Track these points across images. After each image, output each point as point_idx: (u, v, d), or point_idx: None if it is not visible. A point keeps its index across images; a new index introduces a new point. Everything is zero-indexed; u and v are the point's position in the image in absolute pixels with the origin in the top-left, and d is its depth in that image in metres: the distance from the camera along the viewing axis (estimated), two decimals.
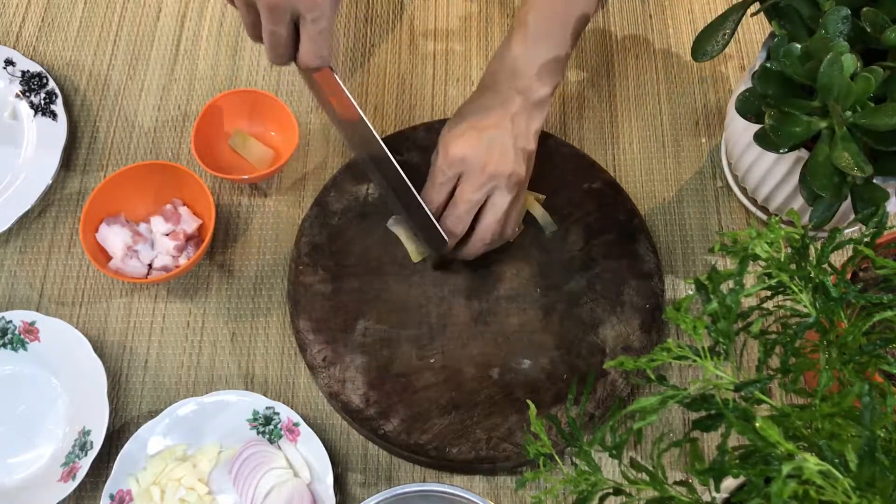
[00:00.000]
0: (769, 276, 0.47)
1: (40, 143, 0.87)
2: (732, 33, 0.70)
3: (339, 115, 0.79)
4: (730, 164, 0.85)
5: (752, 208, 0.84)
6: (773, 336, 0.50)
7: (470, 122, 0.74)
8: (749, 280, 0.78)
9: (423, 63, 0.94)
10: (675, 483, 0.48)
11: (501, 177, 0.72)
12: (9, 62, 0.90)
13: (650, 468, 0.47)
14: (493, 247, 0.77)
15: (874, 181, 0.61)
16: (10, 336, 0.78)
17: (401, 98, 0.92)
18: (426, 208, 0.74)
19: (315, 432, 0.73)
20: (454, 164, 0.72)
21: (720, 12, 0.71)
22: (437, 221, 0.74)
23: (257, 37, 0.73)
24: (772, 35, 0.69)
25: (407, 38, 0.95)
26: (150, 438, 0.73)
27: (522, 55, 0.74)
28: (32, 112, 0.88)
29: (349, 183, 0.84)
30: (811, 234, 0.79)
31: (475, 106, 0.75)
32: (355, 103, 0.76)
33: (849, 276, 0.54)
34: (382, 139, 0.87)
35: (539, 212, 0.81)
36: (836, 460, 0.40)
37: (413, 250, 0.80)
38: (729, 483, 0.54)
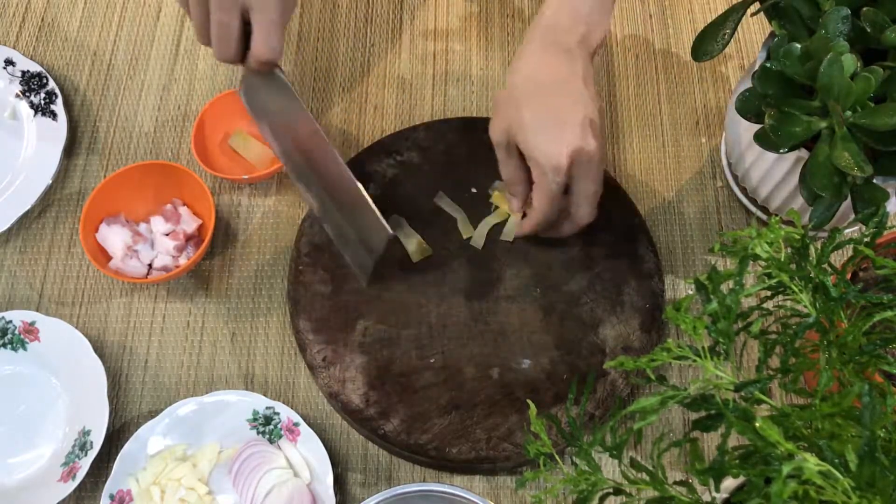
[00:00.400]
0: (769, 276, 0.47)
1: (40, 143, 0.87)
2: (732, 33, 0.70)
3: (282, 121, 0.77)
4: (730, 164, 0.84)
5: (752, 208, 0.84)
6: (773, 336, 0.50)
7: (555, 111, 0.70)
8: (749, 280, 0.78)
9: (423, 63, 0.94)
10: (675, 483, 0.48)
11: (602, 150, 0.71)
12: (9, 62, 0.90)
13: (650, 468, 0.47)
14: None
15: (874, 181, 0.61)
16: (10, 336, 0.78)
17: (401, 98, 0.92)
18: (371, 203, 0.73)
19: (315, 432, 0.73)
20: (563, 171, 0.69)
21: (720, 12, 0.71)
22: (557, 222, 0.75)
23: (206, 36, 0.71)
24: (772, 35, 0.69)
25: (407, 38, 0.95)
26: (150, 438, 0.73)
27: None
28: (32, 112, 0.89)
29: None
30: (811, 234, 0.78)
31: (547, 77, 0.71)
32: (302, 102, 0.75)
33: (849, 276, 0.54)
34: (382, 139, 0.87)
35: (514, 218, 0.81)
36: (836, 460, 0.40)
37: (413, 250, 0.80)
38: (729, 483, 0.54)
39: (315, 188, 0.77)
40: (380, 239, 0.73)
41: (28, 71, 0.90)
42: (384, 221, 0.72)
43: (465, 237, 0.81)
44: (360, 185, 0.73)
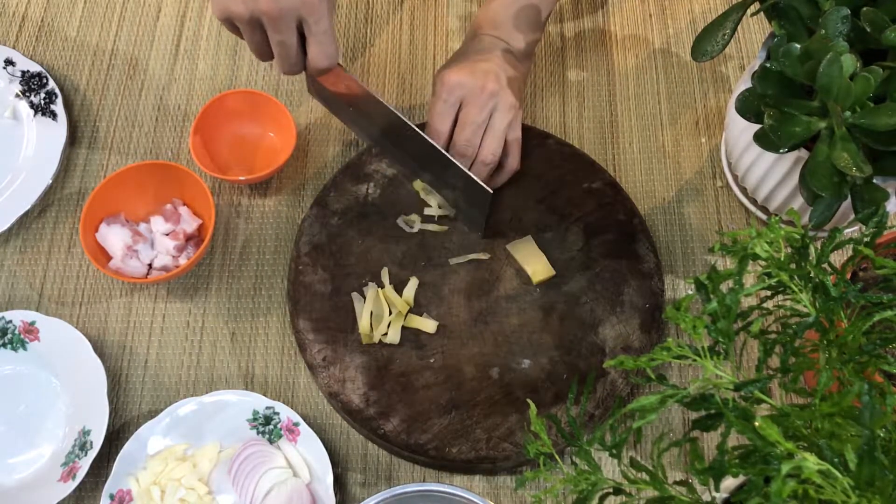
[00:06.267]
0: (769, 275, 0.47)
1: (40, 143, 0.87)
2: (732, 33, 0.70)
3: (357, 108, 0.81)
4: (730, 164, 0.85)
5: (752, 208, 0.84)
6: (773, 336, 0.50)
7: (461, 60, 0.80)
8: (749, 280, 0.78)
9: (423, 62, 0.94)
10: (675, 483, 0.48)
11: (498, 96, 0.77)
12: (9, 62, 0.90)
13: (650, 468, 0.47)
14: (499, 180, 0.81)
15: (874, 181, 0.61)
16: (10, 336, 0.78)
17: (401, 98, 0.92)
18: (462, 167, 0.76)
19: (315, 432, 0.73)
20: (454, 90, 0.77)
21: (720, 12, 0.71)
22: (448, 152, 0.77)
23: (266, 54, 0.74)
24: (772, 35, 0.69)
25: (407, 38, 0.95)
26: (150, 438, 0.74)
27: (503, 9, 0.83)
28: (32, 112, 0.89)
29: (349, 183, 0.84)
30: (811, 233, 0.78)
31: (463, 51, 0.83)
32: (372, 90, 0.77)
33: (849, 275, 0.54)
34: None
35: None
36: (836, 460, 0.40)
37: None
38: (729, 483, 0.54)
39: (408, 162, 0.82)
40: (483, 199, 0.76)
41: (28, 71, 0.90)
42: (481, 183, 0.75)
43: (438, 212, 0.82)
44: (447, 154, 0.76)
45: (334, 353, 0.76)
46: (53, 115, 0.88)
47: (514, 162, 0.81)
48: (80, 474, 0.71)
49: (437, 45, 0.95)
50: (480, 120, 0.77)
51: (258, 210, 0.86)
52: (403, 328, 0.77)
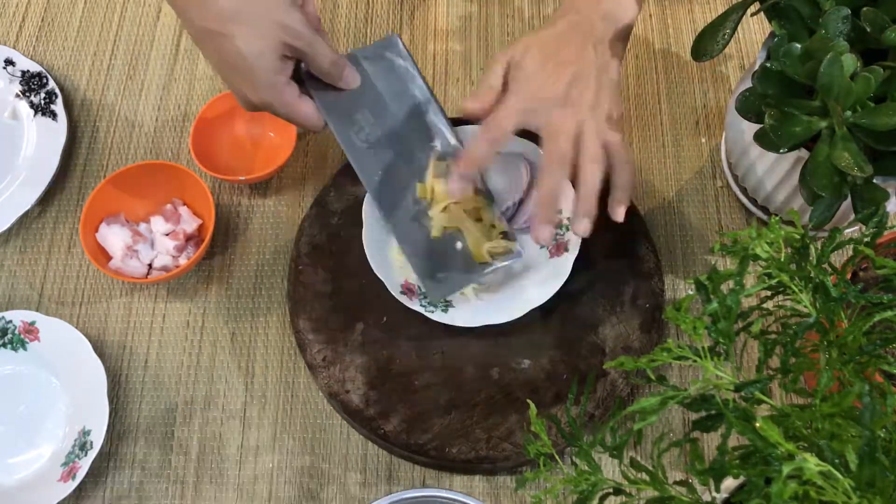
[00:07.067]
0: (769, 276, 0.47)
1: (40, 143, 0.87)
2: (732, 33, 0.70)
3: None
4: (730, 164, 0.84)
5: (752, 208, 0.84)
6: (773, 336, 0.50)
7: (547, 54, 0.68)
8: (749, 280, 0.78)
9: (422, 63, 0.94)
10: (675, 483, 0.48)
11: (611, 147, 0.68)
12: (9, 62, 0.90)
13: (650, 468, 0.47)
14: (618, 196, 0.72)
15: (874, 181, 0.61)
16: (10, 336, 0.78)
17: None
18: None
19: (315, 432, 0.73)
20: (572, 140, 0.67)
21: (720, 12, 0.71)
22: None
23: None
24: (772, 35, 0.69)
25: (407, 39, 0.95)
26: None
27: None
28: (32, 112, 0.88)
29: (349, 183, 0.84)
30: (811, 234, 0.78)
31: (554, 33, 0.69)
32: None
33: (849, 276, 0.54)
34: None
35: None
36: (837, 460, 0.40)
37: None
38: (729, 483, 0.54)
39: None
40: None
41: (28, 71, 0.90)
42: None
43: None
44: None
45: (334, 353, 0.76)
46: (53, 115, 0.88)
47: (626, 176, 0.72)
48: (80, 474, 0.71)
49: (437, 46, 0.95)
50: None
51: (258, 210, 0.86)
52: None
